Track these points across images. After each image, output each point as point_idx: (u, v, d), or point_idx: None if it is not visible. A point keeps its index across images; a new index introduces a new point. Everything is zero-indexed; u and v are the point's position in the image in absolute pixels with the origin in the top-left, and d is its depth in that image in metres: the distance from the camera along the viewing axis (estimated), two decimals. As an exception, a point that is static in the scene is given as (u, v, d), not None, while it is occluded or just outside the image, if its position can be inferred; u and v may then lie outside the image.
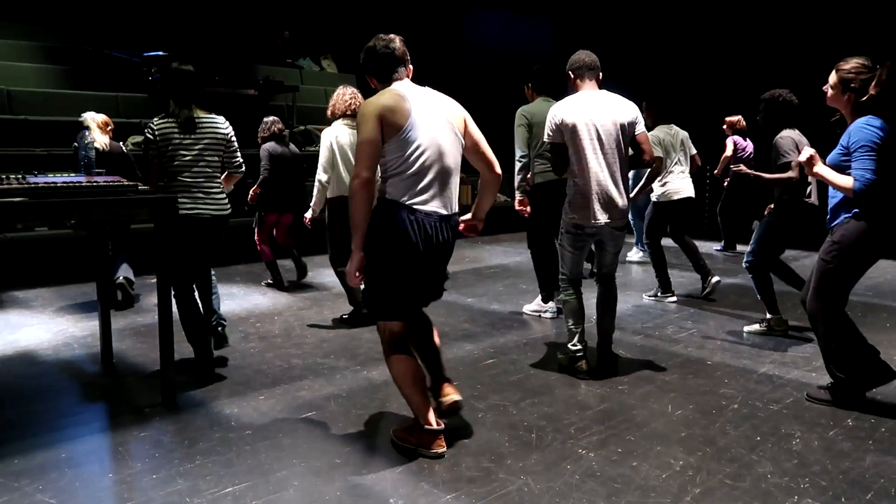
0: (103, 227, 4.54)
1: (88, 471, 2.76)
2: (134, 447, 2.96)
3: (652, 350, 4.39)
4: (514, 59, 12.43)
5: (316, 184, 4.83)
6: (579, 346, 3.86)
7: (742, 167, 4.81)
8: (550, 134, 3.75)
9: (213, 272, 4.08)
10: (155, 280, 3.48)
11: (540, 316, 5.27)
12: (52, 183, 3.14)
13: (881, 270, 7.21)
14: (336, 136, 4.73)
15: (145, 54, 8.47)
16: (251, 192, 6.05)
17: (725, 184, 8.21)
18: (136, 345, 4.46)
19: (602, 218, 3.68)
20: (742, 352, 4.38)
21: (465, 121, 2.90)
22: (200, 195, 3.75)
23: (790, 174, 4.34)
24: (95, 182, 3.29)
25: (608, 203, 3.67)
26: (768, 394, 3.62)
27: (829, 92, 3.35)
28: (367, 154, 2.68)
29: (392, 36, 2.87)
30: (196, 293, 3.95)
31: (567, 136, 3.68)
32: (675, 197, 5.78)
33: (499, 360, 4.18)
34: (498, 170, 3.01)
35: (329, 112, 4.90)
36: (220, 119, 3.87)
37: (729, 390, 3.68)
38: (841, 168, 3.27)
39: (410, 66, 2.90)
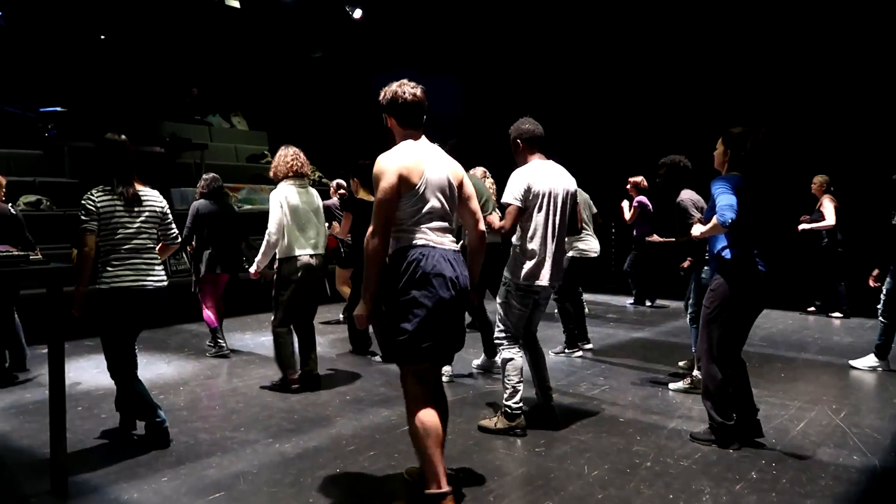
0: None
1: (-38, 576, 2.48)
2: (17, 544, 2.69)
3: (567, 409, 4.44)
4: (426, 116, 12.69)
5: (264, 240, 4.73)
6: (521, 404, 3.94)
7: (655, 237, 5.24)
8: (519, 198, 3.85)
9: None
10: (46, 350, 3.23)
11: None
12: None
13: (773, 321, 7.67)
14: (286, 197, 4.69)
15: (41, 109, 8.09)
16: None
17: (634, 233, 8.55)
18: (23, 425, 4.11)
19: (548, 280, 3.92)
20: (652, 407, 4.51)
21: (462, 178, 3.07)
22: (143, 267, 3.71)
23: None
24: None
25: (555, 266, 3.93)
26: (678, 449, 3.73)
27: (717, 152, 3.86)
28: (382, 211, 2.81)
29: (415, 84, 3.10)
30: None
31: (531, 202, 3.87)
32: (592, 255, 5.99)
33: (416, 426, 4.10)
34: (482, 226, 3.15)
35: (272, 173, 4.88)
36: (156, 193, 3.91)
37: (641, 447, 3.76)
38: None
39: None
